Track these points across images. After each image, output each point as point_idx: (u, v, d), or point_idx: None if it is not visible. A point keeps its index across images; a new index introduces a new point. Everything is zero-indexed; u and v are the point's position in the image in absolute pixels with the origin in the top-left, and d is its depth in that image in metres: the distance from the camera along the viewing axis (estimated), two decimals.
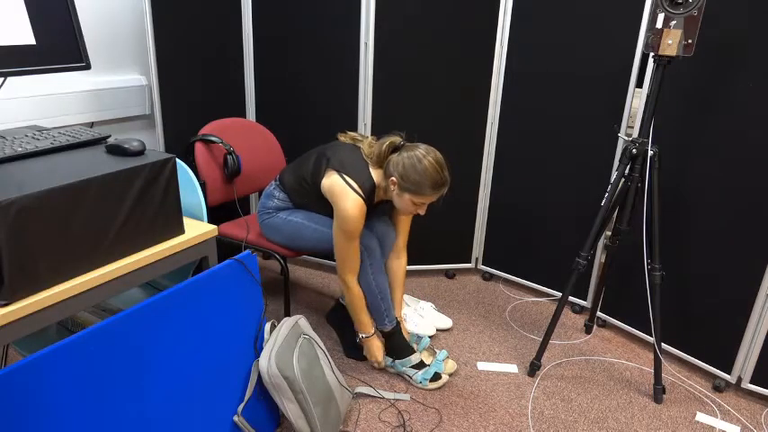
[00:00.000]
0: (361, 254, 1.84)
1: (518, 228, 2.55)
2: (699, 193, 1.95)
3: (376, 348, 1.94)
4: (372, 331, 1.93)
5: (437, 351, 2.05)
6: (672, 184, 2.00)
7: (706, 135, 1.90)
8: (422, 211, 1.79)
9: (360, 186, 1.73)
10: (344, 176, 1.74)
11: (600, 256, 2.37)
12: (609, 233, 2.08)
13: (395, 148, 1.76)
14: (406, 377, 1.95)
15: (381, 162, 1.77)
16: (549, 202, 2.42)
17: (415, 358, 1.94)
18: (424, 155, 1.69)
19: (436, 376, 1.92)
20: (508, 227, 2.58)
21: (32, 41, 1.32)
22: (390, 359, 1.96)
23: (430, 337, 2.22)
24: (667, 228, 2.02)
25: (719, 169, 1.89)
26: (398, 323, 1.97)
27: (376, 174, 1.78)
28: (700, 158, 1.93)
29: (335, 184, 1.74)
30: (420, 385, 1.91)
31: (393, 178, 1.72)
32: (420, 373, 1.92)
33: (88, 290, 1.18)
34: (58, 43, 1.38)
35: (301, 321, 1.69)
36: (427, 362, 1.98)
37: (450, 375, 2.00)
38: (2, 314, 1.03)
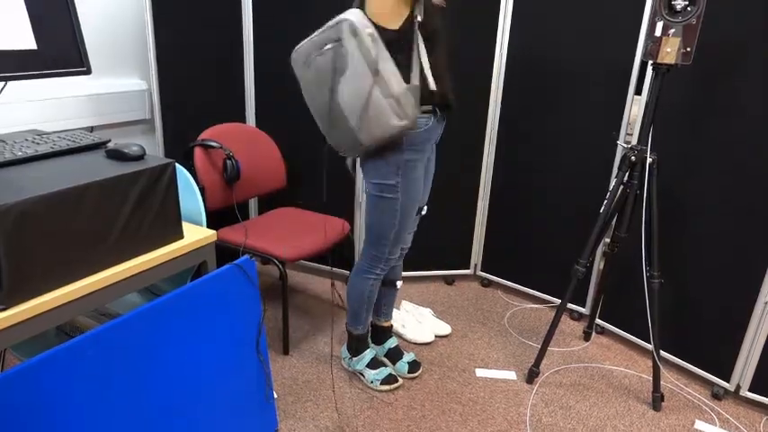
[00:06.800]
0: (376, 260, 1.79)
1: (517, 234, 2.55)
2: (698, 201, 1.96)
3: None
4: None
5: (405, 352, 2.06)
6: (671, 192, 2.00)
7: (705, 142, 1.91)
8: None
9: None
10: None
11: (599, 263, 2.37)
12: (608, 240, 2.09)
13: None
14: (360, 376, 1.96)
15: None
16: (548, 209, 2.42)
17: (368, 354, 1.95)
18: None
19: (391, 378, 1.92)
20: (507, 233, 2.58)
21: (34, 46, 1.32)
22: (349, 356, 1.98)
23: (428, 343, 2.22)
24: (666, 235, 2.02)
25: (718, 176, 1.89)
26: (368, 329, 1.96)
27: None
28: (699, 166, 1.93)
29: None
30: (371, 386, 1.92)
31: None
32: (373, 372, 1.92)
33: (87, 294, 1.18)
34: (59, 48, 1.38)
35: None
36: (390, 364, 2.01)
37: (414, 378, 2.00)
38: (0, 318, 1.03)
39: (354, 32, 1.44)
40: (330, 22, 1.50)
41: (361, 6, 1.52)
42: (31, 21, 1.32)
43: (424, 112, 1.59)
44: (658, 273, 1.85)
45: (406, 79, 1.50)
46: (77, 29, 1.41)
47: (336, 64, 1.49)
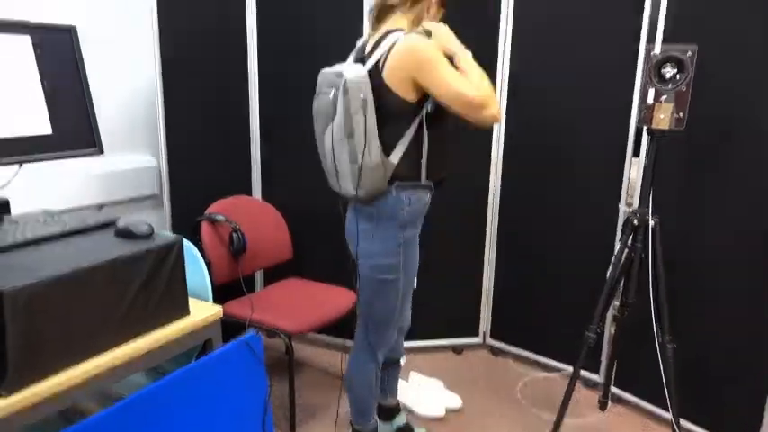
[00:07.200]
0: (379, 346, 1.70)
1: (525, 300, 2.52)
2: (707, 260, 1.95)
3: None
4: None
5: (416, 428, 1.97)
6: (679, 252, 1.99)
7: (708, 201, 1.92)
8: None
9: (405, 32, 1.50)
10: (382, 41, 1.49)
11: (609, 329, 2.33)
12: (617, 304, 2.06)
13: None
14: None
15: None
16: (556, 274, 2.41)
17: None
18: None
19: None
20: (515, 300, 2.55)
21: (49, 131, 1.37)
22: None
23: (440, 417, 2.15)
24: (678, 297, 1.99)
25: (725, 235, 1.89)
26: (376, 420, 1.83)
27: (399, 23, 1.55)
28: (703, 225, 1.94)
29: (402, 44, 1.44)
30: None
31: None
32: None
33: (92, 377, 1.16)
34: (73, 131, 1.43)
35: None
36: None
37: None
38: (4, 405, 1.01)
39: (346, 91, 1.43)
40: (338, 67, 1.50)
41: (377, 65, 1.48)
42: (47, 106, 1.38)
43: (424, 188, 1.57)
44: (671, 337, 1.82)
45: (390, 150, 1.50)
46: (91, 111, 1.47)
47: (333, 108, 1.50)
